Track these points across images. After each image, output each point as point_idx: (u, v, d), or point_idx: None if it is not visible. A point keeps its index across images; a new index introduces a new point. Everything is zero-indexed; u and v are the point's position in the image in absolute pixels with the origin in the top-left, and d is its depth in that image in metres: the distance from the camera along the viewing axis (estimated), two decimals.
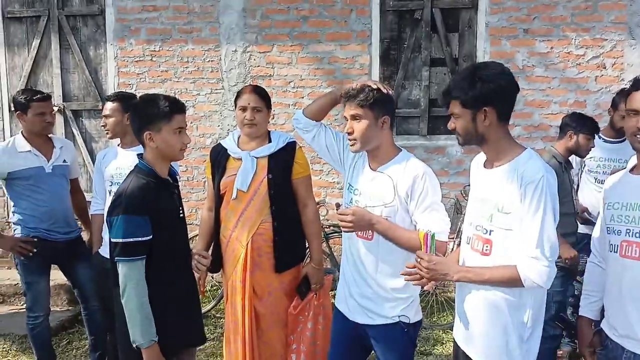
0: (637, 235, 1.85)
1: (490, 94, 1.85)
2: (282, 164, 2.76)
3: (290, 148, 2.80)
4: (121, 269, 2.06)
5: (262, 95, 2.78)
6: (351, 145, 2.25)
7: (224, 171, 2.79)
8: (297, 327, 2.80)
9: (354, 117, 2.20)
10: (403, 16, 4.97)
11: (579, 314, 2.17)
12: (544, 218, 1.78)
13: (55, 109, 5.23)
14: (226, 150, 2.83)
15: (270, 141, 2.81)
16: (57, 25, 5.30)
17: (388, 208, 2.20)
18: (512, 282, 1.82)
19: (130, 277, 2.04)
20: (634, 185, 1.93)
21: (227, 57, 5.09)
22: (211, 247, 2.89)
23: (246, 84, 5.04)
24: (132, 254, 2.05)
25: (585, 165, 3.76)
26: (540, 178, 1.79)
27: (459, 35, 4.93)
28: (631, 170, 2.00)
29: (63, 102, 5.40)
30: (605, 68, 4.67)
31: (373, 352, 2.41)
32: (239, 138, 2.85)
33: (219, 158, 2.84)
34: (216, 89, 5.15)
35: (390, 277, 2.22)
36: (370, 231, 2.22)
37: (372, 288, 2.26)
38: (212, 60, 5.12)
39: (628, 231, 1.87)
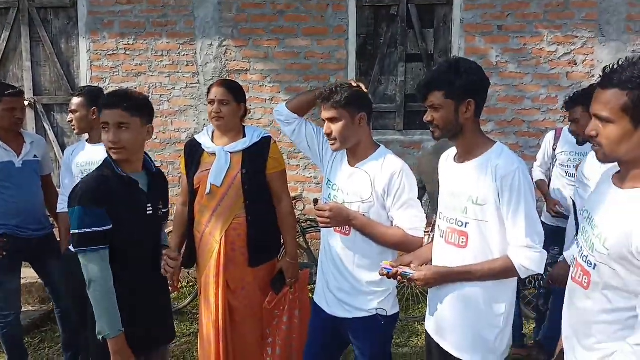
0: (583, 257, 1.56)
1: (475, 85, 1.91)
2: (257, 159, 2.76)
3: (264, 143, 2.80)
4: (82, 260, 2.04)
5: (230, 88, 2.77)
6: (331, 145, 2.27)
7: (198, 166, 2.79)
8: (273, 321, 2.81)
9: (331, 119, 2.22)
10: (379, 12, 4.99)
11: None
12: (527, 207, 1.83)
13: (26, 103, 5.12)
14: (200, 145, 2.82)
15: (244, 136, 2.80)
16: (28, 17, 5.17)
17: (365, 204, 2.23)
18: (506, 273, 1.87)
19: (92, 268, 2.02)
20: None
21: (203, 51, 5.04)
22: (184, 243, 2.89)
23: (222, 78, 5.02)
24: (91, 244, 2.02)
25: (556, 159, 3.84)
26: (515, 169, 1.84)
27: (434, 31, 4.97)
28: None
29: (34, 96, 5.28)
30: (576, 64, 4.76)
31: (350, 345, 2.44)
32: (213, 133, 2.84)
33: (193, 153, 2.83)
34: (191, 84, 5.10)
35: (367, 271, 2.25)
36: (347, 227, 2.25)
37: (349, 282, 2.28)
38: (187, 54, 5.07)
39: (581, 249, 1.59)
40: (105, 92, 3.03)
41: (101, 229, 2.03)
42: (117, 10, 5.06)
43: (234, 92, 2.77)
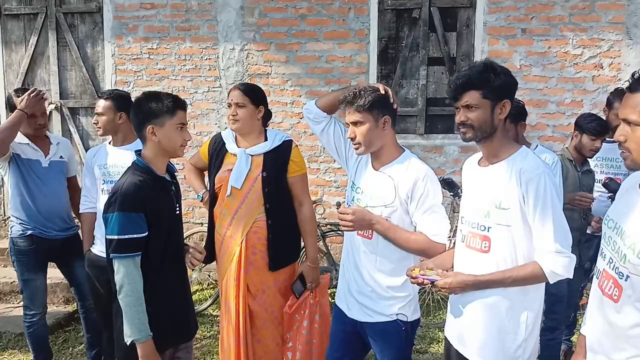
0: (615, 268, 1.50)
1: (510, 87, 1.90)
2: (278, 162, 2.76)
3: (286, 146, 2.80)
4: (117, 265, 2.07)
5: (247, 91, 2.77)
6: (355, 149, 2.26)
7: (220, 165, 2.82)
8: (293, 326, 2.80)
9: (355, 123, 2.21)
10: (401, 15, 4.97)
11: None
12: (554, 211, 1.80)
13: (52, 106, 5.24)
14: (224, 144, 2.85)
15: (266, 139, 2.81)
16: (55, 22, 5.29)
17: (388, 209, 2.21)
18: (535, 279, 1.84)
19: (126, 274, 2.05)
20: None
21: (225, 55, 5.09)
22: (205, 242, 2.93)
23: (241, 82, 5.06)
24: (128, 250, 2.05)
25: None
26: (541, 173, 1.81)
27: (457, 35, 4.93)
28: None
29: (60, 99, 5.39)
30: (602, 68, 4.67)
31: (371, 350, 2.42)
32: (236, 135, 2.86)
33: (218, 149, 2.87)
34: (214, 87, 5.15)
35: (389, 276, 2.24)
36: (370, 231, 2.24)
37: (370, 286, 2.27)
38: (209, 58, 5.12)
39: (611, 260, 1.53)
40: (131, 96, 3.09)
41: (139, 235, 2.06)
42: (142, 15, 5.14)
43: (251, 95, 2.77)
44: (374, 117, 2.20)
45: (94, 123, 3.18)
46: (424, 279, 1.94)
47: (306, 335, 2.77)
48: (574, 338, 3.89)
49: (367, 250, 2.27)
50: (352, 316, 2.34)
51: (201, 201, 3.04)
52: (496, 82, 1.86)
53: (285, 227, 2.81)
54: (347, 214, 2.16)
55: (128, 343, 2.07)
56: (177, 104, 2.18)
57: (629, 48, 4.62)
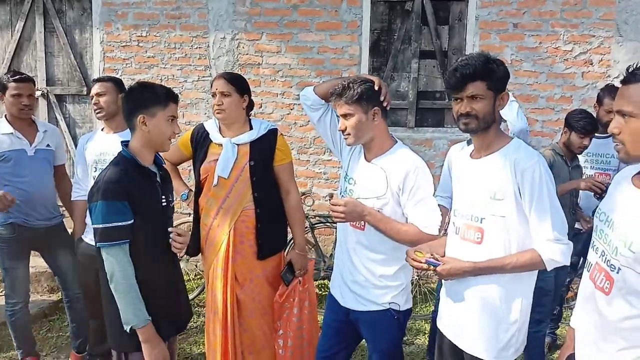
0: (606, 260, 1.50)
1: (507, 79, 1.92)
2: (264, 151, 2.75)
3: (272, 134, 2.79)
4: (105, 254, 2.06)
5: (231, 80, 2.74)
6: (345, 140, 2.27)
7: (205, 156, 2.78)
8: (283, 314, 2.81)
9: (344, 115, 2.21)
10: (394, 7, 4.95)
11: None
12: (550, 200, 1.83)
13: (39, 93, 5.15)
14: (208, 134, 2.81)
15: (251, 128, 2.79)
16: (42, 7, 5.20)
17: (380, 200, 2.21)
18: (533, 266, 1.87)
19: (116, 262, 2.04)
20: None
21: (216, 44, 5.04)
22: (191, 233, 2.85)
23: (234, 72, 5.01)
24: (114, 238, 2.04)
25: None
26: (535, 163, 1.83)
27: (449, 28, 4.92)
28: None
29: (47, 86, 5.31)
30: (592, 64, 4.69)
31: (363, 339, 2.44)
32: (220, 124, 2.84)
33: (202, 140, 2.82)
34: (203, 77, 5.10)
35: (381, 265, 2.26)
36: (362, 222, 2.24)
37: (363, 275, 2.28)
38: (200, 47, 5.06)
39: (603, 253, 1.53)
40: None
41: (124, 223, 2.05)
42: (131, 2, 5.06)
43: (236, 84, 2.73)
44: (363, 109, 2.19)
45: (94, 104, 3.05)
46: (427, 261, 1.93)
47: (296, 322, 2.78)
48: (558, 331, 3.94)
49: (359, 240, 2.28)
50: (345, 305, 2.36)
51: (185, 200, 2.97)
52: (499, 74, 1.88)
53: (273, 215, 2.80)
54: (339, 205, 2.16)
55: (128, 330, 2.07)
56: (169, 96, 2.19)
57: (618, 45, 4.64)
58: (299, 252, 2.83)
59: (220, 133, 2.80)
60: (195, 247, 2.85)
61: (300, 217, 2.91)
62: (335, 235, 4.43)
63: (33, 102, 3.28)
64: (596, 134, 3.72)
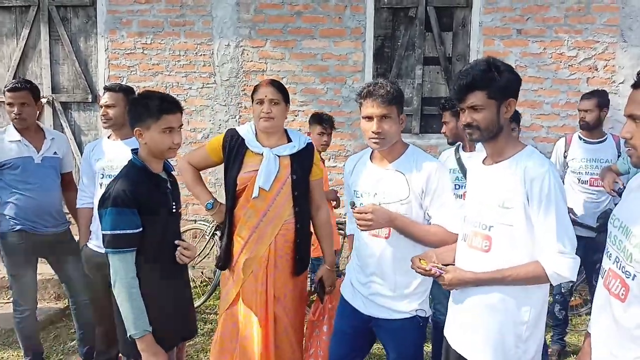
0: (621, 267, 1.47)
1: (514, 84, 1.87)
2: (304, 165, 2.69)
3: (310, 149, 2.73)
4: (111, 260, 2.07)
5: (280, 88, 2.67)
6: (374, 143, 2.20)
7: (241, 164, 2.64)
8: (313, 332, 2.76)
9: (383, 116, 2.16)
10: (397, 14, 4.97)
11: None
12: (557, 210, 1.77)
13: (44, 100, 5.17)
14: (244, 141, 2.66)
15: (289, 139, 2.71)
16: (47, 15, 5.23)
17: (404, 205, 2.19)
18: (537, 280, 1.82)
19: (120, 269, 2.05)
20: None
21: (220, 52, 5.06)
22: (223, 245, 2.74)
23: (238, 79, 5.03)
24: (120, 245, 2.05)
25: (568, 166, 3.79)
26: (546, 171, 1.79)
27: (453, 34, 4.94)
28: None
29: (52, 94, 5.32)
30: (597, 70, 4.70)
31: (379, 347, 2.40)
32: (256, 132, 2.71)
33: (237, 147, 2.67)
34: (208, 84, 5.11)
35: (408, 273, 2.19)
36: (387, 229, 2.21)
37: (391, 285, 2.25)
38: (204, 54, 5.08)
39: (617, 260, 1.50)
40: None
41: (133, 231, 2.05)
42: (136, 10, 5.09)
43: (284, 93, 2.67)
44: (397, 112, 2.19)
45: (103, 115, 3.09)
46: (431, 268, 1.93)
47: (327, 340, 2.68)
48: (567, 338, 3.92)
49: (384, 250, 2.24)
50: (368, 313, 2.31)
51: (209, 210, 2.79)
52: (500, 81, 1.83)
53: (308, 230, 2.75)
54: (367, 213, 2.12)
55: (129, 337, 2.08)
56: (163, 109, 2.14)
57: (623, 50, 4.65)
58: (329, 269, 2.78)
59: (258, 141, 2.68)
60: (227, 259, 2.72)
61: (329, 232, 2.84)
62: (342, 243, 4.44)
63: (28, 111, 3.22)
64: (588, 139, 3.72)
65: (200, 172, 2.86)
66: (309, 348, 2.75)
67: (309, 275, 2.90)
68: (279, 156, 2.63)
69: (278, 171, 2.61)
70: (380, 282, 2.27)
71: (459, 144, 3.26)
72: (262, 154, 2.62)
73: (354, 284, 2.38)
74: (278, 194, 2.62)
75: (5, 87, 3.22)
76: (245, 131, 2.71)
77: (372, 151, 2.34)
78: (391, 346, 2.33)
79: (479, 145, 2.78)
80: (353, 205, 2.21)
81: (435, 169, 2.18)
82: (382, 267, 2.25)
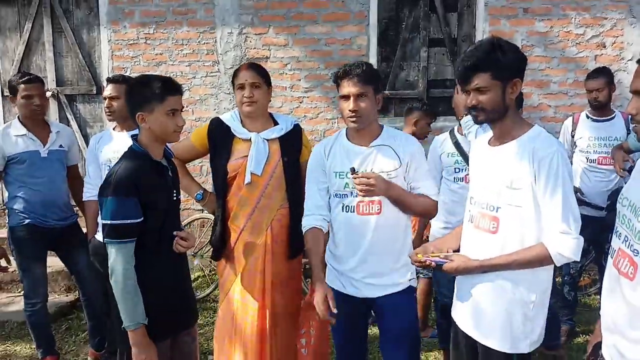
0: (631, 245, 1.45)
1: (520, 63, 1.86)
2: (294, 147, 2.67)
3: (297, 131, 2.72)
4: (110, 250, 2.04)
5: (260, 71, 2.64)
6: (352, 122, 2.21)
7: (229, 152, 2.61)
8: (307, 311, 2.76)
9: (359, 95, 2.17)
10: None
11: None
12: (564, 191, 1.76)
13: (49, 93, 5.18)
14: (229, 128, 2.64)
15: (275, 123, 2.69)
16: (50, 8, 5.21)
17: (393, 178, 2.22)
18: (541, 262, 1.81)
19: (118, 259, 2.02)
20: None
21: (223, 39, 5.02)
22: (217, 234, 2.71)
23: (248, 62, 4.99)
24: (119, 236, 2.01)
25: (576, 145, 3.73)
26: (554, 152, 1.78)
27: (458, 15, 4.87)
28: None
29: (57, 86, 5.33)
30: (605, 47, 4.62)
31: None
32: (241, 119, 2.69)
33: (223, 136, 2.64)
34: (212, 72, 5.09)
35: (401, 245, 2.29)
36: (378, 205, 2.22)
37: (385, 260, 2.27)
38: (207, 43, 5.05)
39: (626, 239, 1.49)
40: None
41: (133, 221, 2.02)
42: (138, 0, 5.06)
43: (265, 76, 2.63)
44: (374, 91, 2.21)
45: (107, 107, 3.08)
46: (431, 261, 1.93)
47: (319, 321, 2.69)
48: (576, 317, 3.89)
49: (378, 225, 2.24)
50: (363, 296, 2.30)
51: (200, 201, 2.80)
52: (505, 61, 1.81)
53: (300, 214, 2.74)
54: (370, 178, 2.13)
55: (122, 328, 2.06)
56: (166, 90, 2.10)
57: (631, 26, 4.56)
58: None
59: (244, 127, 2.65)
60: (222, 249, 2.71)
61: None
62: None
63: (44, 103, 3.29)
64: (596, 117, 3.66)
65: (193, 164, 2.83)
66: (300, 327, 2.75)
67: (304, 260, 2.88)
68: (267, 140, 2.61)
69: (268, 155, 2.59)
70: (375, 261, 2.26)
71: (452, 128, 3.24)
72: (249, 139, 2.59)
73: (344, 273, 2.33)
74: (270, 178, 2.60)
75: (15, 81, 3.20)
76: (230, 118, 2.69)
77: (347, 133, 2.33)
78: (393, 321, 2.30)
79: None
80: (354, 171, 2.17)
81: (417, 144, 2.31)
82: (377, 244, 2.24)
